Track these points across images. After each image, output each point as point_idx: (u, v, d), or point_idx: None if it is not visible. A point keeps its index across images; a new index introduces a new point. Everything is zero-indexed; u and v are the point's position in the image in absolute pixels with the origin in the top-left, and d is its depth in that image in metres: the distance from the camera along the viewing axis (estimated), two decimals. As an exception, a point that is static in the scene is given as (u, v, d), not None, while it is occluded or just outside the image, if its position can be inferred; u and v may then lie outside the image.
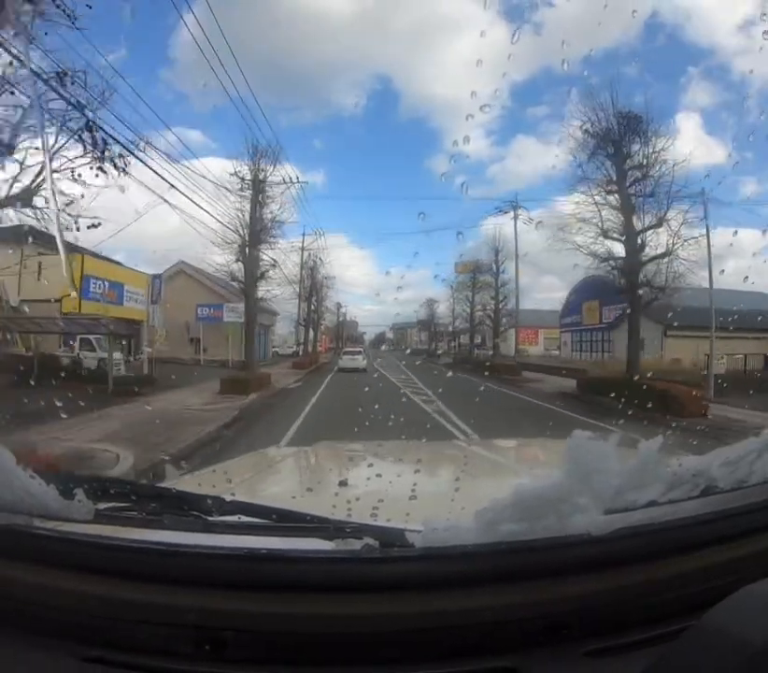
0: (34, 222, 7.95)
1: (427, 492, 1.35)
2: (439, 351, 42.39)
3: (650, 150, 13.20)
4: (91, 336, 15.51)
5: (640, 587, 0.74)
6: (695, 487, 0.82)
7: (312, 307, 32.86)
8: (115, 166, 7.49)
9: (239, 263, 16.73)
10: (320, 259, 29.00)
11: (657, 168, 13.11)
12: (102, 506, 0.79)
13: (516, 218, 25.17)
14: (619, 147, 13.38)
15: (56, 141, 7.33)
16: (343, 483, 1.32)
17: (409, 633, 0.69)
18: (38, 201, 7.84)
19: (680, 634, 0.61)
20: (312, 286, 31.49)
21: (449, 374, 21.04)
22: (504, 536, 0.71)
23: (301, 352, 32.19)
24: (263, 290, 17.81)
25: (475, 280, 30.46)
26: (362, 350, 27.36)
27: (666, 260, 13.16)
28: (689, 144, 21.63)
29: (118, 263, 17.99)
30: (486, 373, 19.26)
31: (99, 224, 8.19)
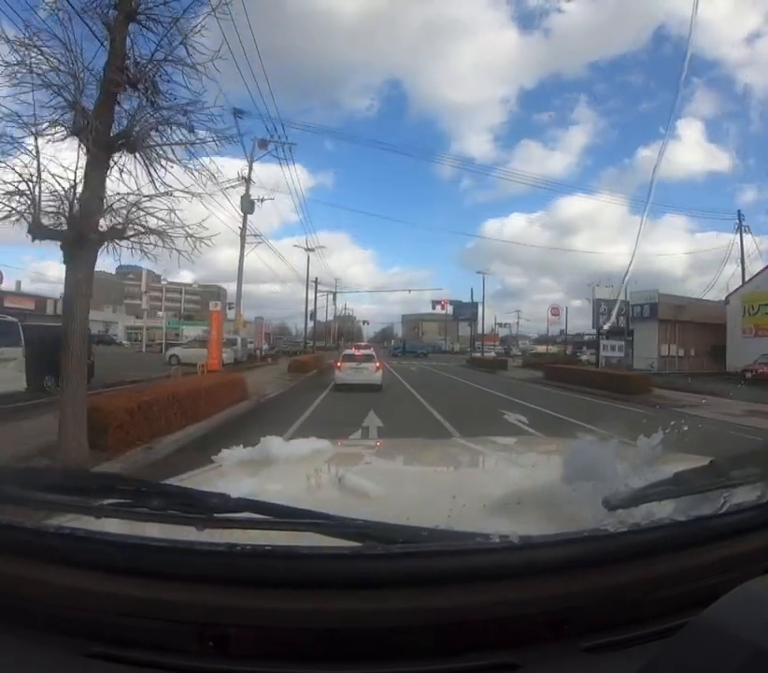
0: None
1: (428, 489, 1.36)
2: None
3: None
4: None
5: (639, 584, 0.75)
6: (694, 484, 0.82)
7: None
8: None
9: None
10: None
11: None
12: (107, 502, 0.79)
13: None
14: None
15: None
16: (344, 480, 1.33)
17: (411, 629, 0.69)
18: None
19: (678, 630, 0.61)
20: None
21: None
22: (504, 533, 0.72)
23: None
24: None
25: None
26: (373, 352, 16.92)
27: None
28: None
29: None
30: None
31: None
